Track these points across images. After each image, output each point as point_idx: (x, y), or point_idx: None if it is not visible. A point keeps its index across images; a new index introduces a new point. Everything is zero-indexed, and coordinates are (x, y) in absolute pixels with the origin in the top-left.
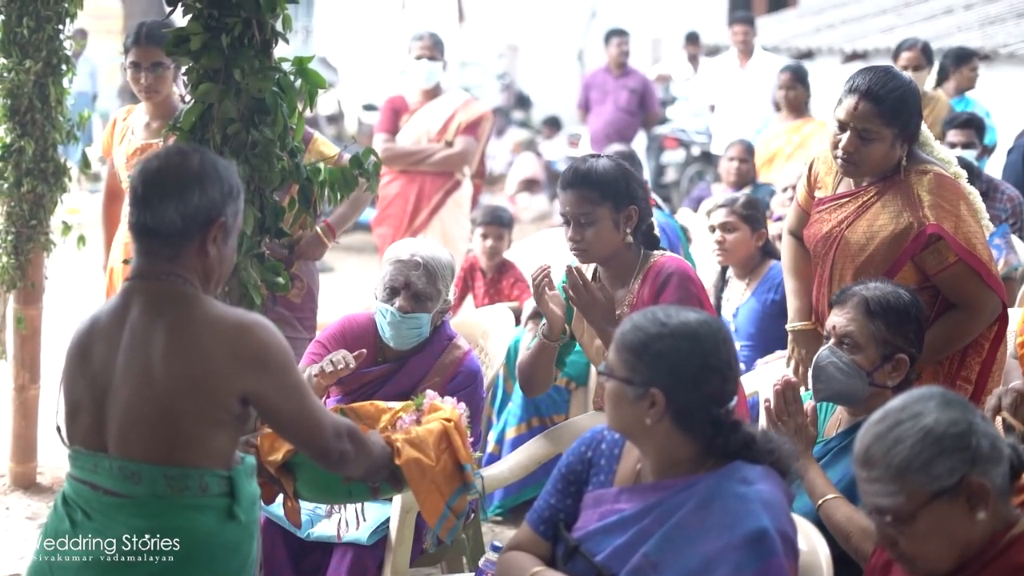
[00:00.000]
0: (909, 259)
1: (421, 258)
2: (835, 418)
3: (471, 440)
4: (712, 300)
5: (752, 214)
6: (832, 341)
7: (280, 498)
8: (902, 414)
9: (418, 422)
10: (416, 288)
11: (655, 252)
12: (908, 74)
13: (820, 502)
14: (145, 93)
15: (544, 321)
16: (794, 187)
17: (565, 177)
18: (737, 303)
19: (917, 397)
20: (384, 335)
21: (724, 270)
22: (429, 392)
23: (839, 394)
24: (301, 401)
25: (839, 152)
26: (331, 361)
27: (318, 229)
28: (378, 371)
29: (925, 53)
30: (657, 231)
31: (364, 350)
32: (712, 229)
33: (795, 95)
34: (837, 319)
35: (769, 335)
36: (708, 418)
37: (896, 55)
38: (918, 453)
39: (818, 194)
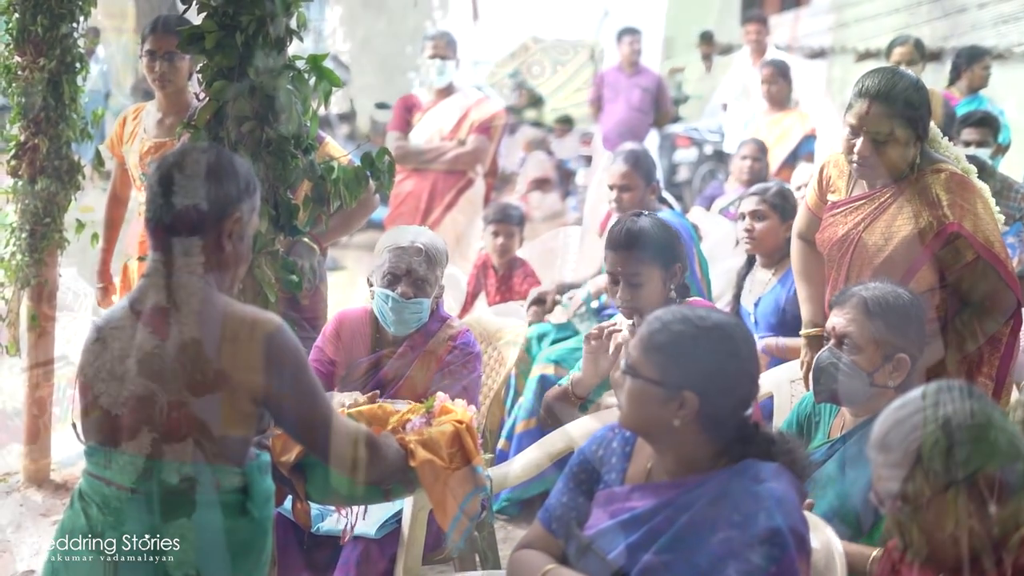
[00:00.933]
0: (929, 259)
1: (422, 244)
2: (839, 419)
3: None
4: (734, 288)
5: (783, 204)
6: (832, 342)
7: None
8: (923, 402)
9: (428, 424)
10: (417, 274)
11: (687, 300)
12: None
13: (869, 564)
14: (159, 82)
15: (576, 373)
16: (807, 185)
17: (614, 238)
18: (760, 293)
19: (939, 388)
20: (385, 321)
21: (751, 259)
22: (440, 394)
23: (840, 395)
24: (314, 404)
25: (854, 157)
26: (342, 404)
27: (306, 240)
28: (374, 357)
29: (918, 48)
30: (687, 278)
31: (377, 391)
32: (742, 216)
33: (777, 89)
34: (836, 320)
35: (790, 327)
36: (734, 421)
37: (889, 52)
38: (936, 441)
39: (831, 197)
